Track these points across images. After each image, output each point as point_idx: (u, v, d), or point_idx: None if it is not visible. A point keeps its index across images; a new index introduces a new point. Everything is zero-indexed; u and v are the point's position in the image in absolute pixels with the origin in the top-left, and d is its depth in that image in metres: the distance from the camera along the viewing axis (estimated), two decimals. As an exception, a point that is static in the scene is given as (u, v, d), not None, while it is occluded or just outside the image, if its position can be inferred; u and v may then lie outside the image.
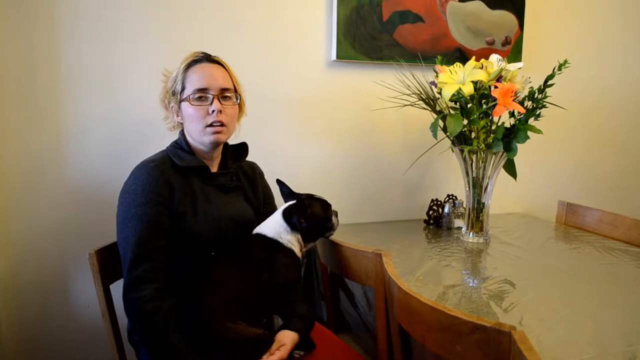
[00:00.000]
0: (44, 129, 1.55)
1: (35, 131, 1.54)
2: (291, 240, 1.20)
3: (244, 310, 1.11)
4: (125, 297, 1.11)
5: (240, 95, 1.28)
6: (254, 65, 1.73)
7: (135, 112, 1.62)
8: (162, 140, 1.32)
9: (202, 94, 1.20)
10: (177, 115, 1.27)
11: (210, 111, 1.20)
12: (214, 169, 1.30)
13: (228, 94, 1.24)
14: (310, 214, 1.21)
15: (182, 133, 1.29)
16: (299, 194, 1.27)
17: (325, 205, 1.25)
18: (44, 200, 1.57)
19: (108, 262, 1.22)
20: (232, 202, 1.27)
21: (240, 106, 1.31)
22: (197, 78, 1.21)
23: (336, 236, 1.34)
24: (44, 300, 1.60)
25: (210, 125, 1.21)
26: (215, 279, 1.12)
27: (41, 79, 1.53)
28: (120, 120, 1.61)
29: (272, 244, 1.18)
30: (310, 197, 1.23)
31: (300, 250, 1.23)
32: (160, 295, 1.09)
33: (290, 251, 1.19)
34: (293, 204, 1.22)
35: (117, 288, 1.17)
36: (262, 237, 1.19)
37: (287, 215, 1.21)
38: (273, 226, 1.21)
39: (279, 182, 1.31)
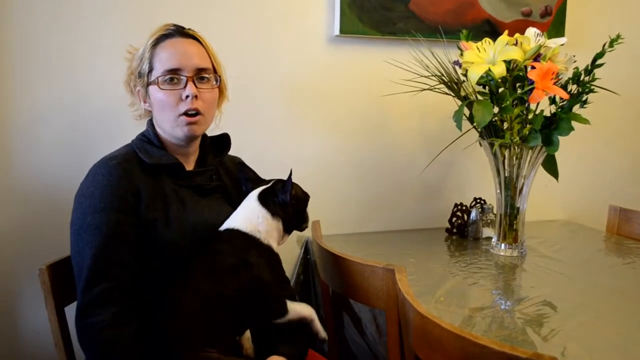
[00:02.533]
0: (-14, 118, 1.55)
1: (-25, 121, 1.54)
2: (270, 231, 1.19)
3: (217, 329, 1.10)
4: (79, 323, 1.10)
5: (220, 76, 1.28)
6: (239, 43, 1.73)
7: (98, 99, 1.61)
8: (129, 132, 1.31)
9: (173, 75, 1.20)
10: (145, 102, 1.26)
11: (183, 96, 1.20)
12: (190, 166, 1.30)
13: (205, 75, 1.23)
14: (295, 194, 1.22)
15: (150, 123, 1.28)
16: (267, 180, 1.27)
17: (301, 187, 1.27)
18: (-14, 204, 1.56)
19: (62, 280, 1.21)
20: (211, 206, 1.27)
21: (221, 89, 1.30)
22: (167, 56, 1.20)
23: (340, 248, 1.33)
24: (-14, 325, 1.60)
25: (184, 113, 1.20)
26: (176, 297, 1.11)
27: (-17, 58, 1.53)
28: (79, 108, 1.60)
29: (245, 241, 1.17)
30: (283, 180, 1.23)
31: (278, 243, 1.23)
32: (120, 321, 1.08)
33: (267, 248, 1.18)
34: (269, 186, 1.23)
35: (73, 311, 1.15)
36: (233, 233, 1.18)
37: (264, 199, 1.20)
38: (248, 216, 1.20)
39: (241, 165, 1.29)
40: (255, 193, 1.22)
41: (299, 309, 1.20)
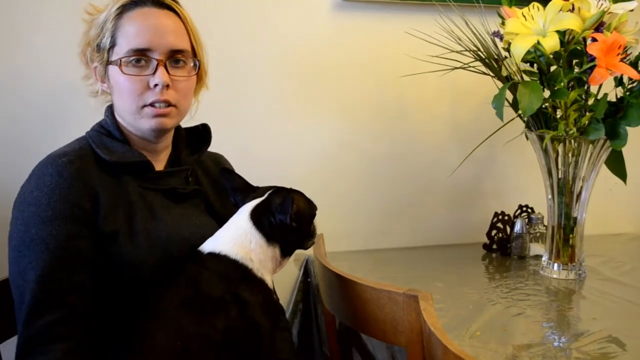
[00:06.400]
0: None
1: None
2: (264, 262, 1.19)
3: None
4: (20, 362, 1.10)
5: (200, 60, 1.28)
6: (224, 10, 1.73)
7: (43, 80, 1.62)
8: (82, 123, 1.31)
9: (140, 56, 1.20)
10: (103, 82, 1.27)
11: (151, 85, 1.20)
12: (160, 165, 1.31)
13: (181, 58, 1.24)
14: (297, 211, 1.20)
15: (110, 110, 1.29)
16: (262, 188, 1.26)
17: (305, 197, 1.26)
18: None
19: (-3, 309, 1.22)
20: (187, 216, 1.28)
21: (200, 76, 1.31)
22: (134, 31, 1.20)
23: (350, 269, 1.34)
24: None
25: (151, 104, 1.21)
26: (148, 333, 1.11)
27: None
28: (19, 92, 1.62)
29: (235, 272, 1.16)
30: (282, 189, 1.23)
31: (274, 272, 1.23)
32: None
33: (260, 283, 1.18)
34: (265, 199, 1.22)
35: (12, 348, 1.15)
36: (219, 260, 1.18)
37: (258, 218, 1.20)
38: (239, 240, 1.19)
39: (226, 172, 1.30)
40: (247, 209, 1.22)
41: None
